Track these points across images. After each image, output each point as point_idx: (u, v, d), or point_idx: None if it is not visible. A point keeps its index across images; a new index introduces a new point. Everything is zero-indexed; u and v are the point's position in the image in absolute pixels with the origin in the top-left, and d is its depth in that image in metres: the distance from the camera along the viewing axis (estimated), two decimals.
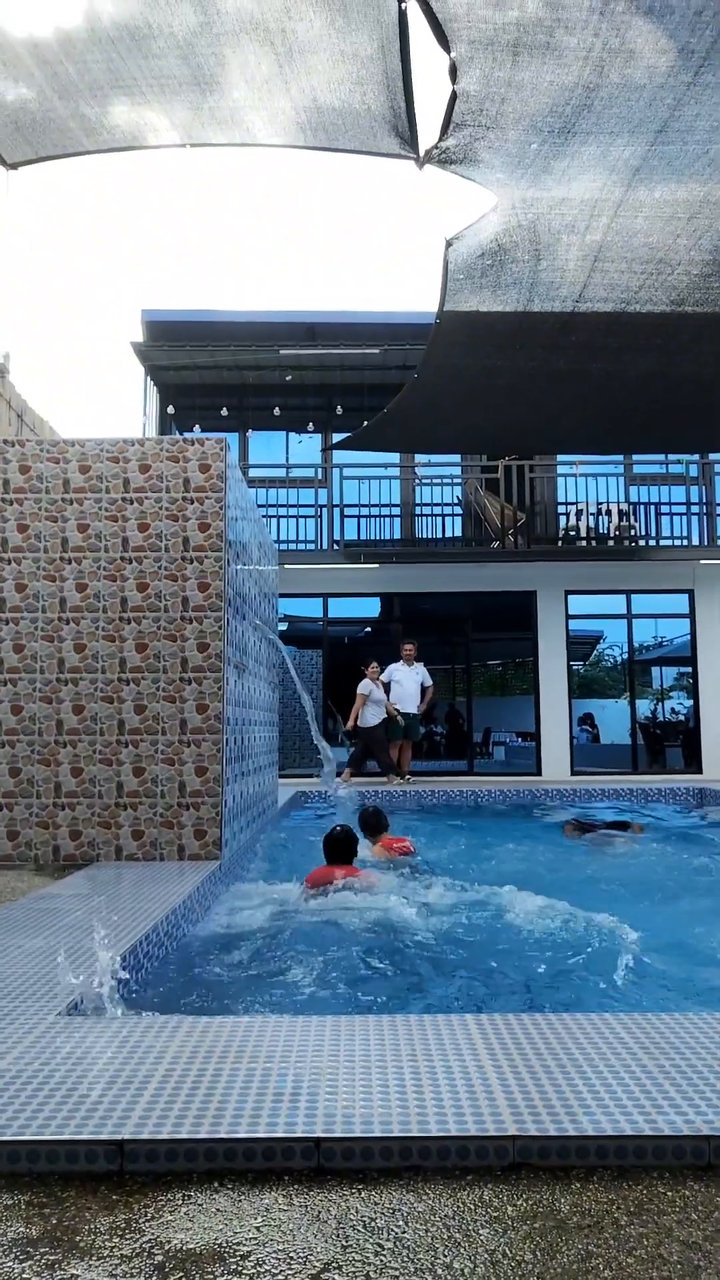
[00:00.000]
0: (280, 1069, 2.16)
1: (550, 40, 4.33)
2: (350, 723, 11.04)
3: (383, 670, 11.27)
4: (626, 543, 13.57)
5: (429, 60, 4.49)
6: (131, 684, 5.27)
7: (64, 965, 2.79)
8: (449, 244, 5.98)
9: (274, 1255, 1.56)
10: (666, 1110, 1.94)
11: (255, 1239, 1.61)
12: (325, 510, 13.79)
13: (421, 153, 5.13)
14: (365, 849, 6.13)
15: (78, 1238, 1.62)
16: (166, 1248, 1.59)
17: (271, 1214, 1.68)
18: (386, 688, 11.23)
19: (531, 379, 8.08)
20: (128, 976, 3.02)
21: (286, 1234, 1.62)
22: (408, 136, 5.03)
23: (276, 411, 14.57)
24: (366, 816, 6.44)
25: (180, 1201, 1.73)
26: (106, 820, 5.17)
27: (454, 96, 4.67)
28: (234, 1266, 1.54)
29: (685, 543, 13.58)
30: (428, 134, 5.02)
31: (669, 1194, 1.75)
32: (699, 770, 12.92)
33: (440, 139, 4.99)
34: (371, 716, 10.95)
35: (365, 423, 10.21)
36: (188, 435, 13.08)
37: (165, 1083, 2.08)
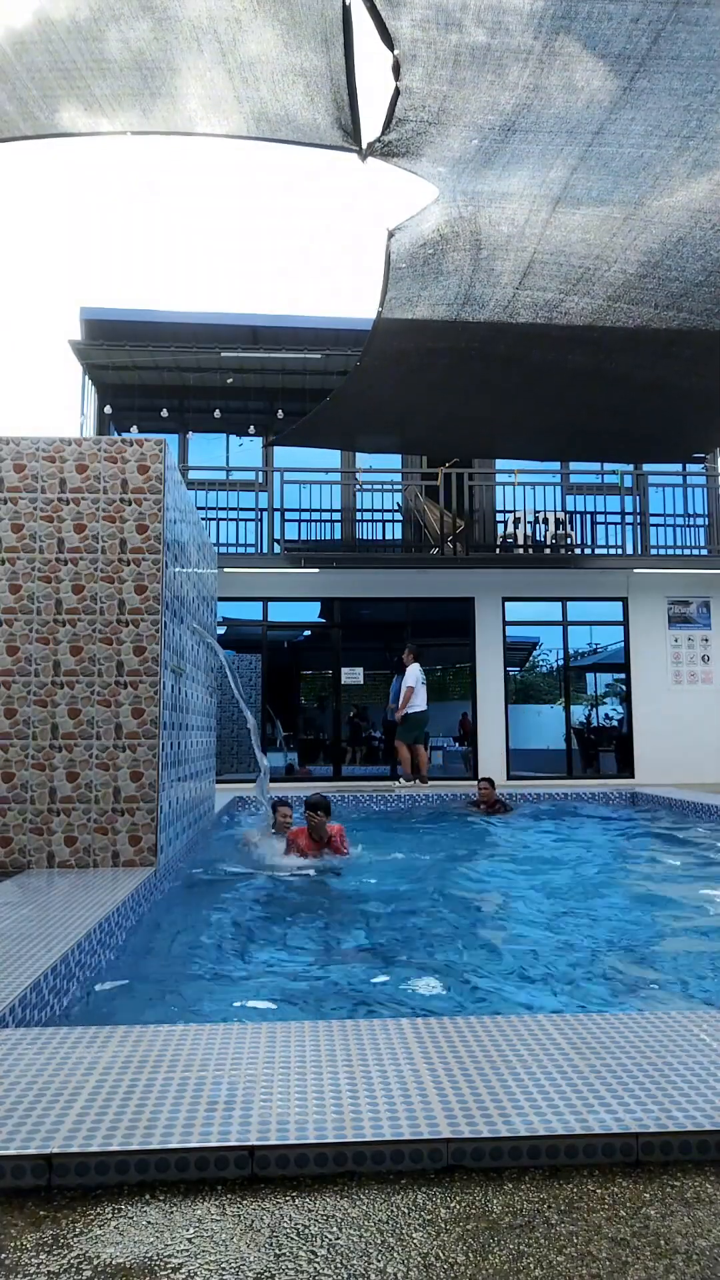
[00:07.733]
0: (214, 1077, 2.14)
1: (491, 43, 4.40)
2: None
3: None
4: (563, 551, 13.81)
5: (372, 55, 4.50)
6: (66, 687, 5.17)
7: None
8: (391, 235, 6.00)
9: (206, 1267, 1.54)
10: (596, 1109, 1.97)
11: (187, 1251, 1.58)
12: (265, 514, 13.73)
13: (364, 145, 5.13)
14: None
15: (3, 1255, 1.58)
16: (95, 1263, 1.56)
17: (204, 1225, 1.66)
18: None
19: (471, 375, 8.15)
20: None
21: (219, 1245, 1.60)
22: (350, 129, 5.03)
23: (217, 414, 14.45)
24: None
25: (110, 1215, 1.70)
26: (39, 826, 5.06)
27: (397, 92, 4.69)
28: (164, 1279, 1.51)
29: (620, 551, 13.88)
30: (371, 127, 5.02)
31: (598, 1192, 1.78)
32: (631, 775, 13.20)
33: (383, 133, 5.01)
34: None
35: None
36: (126, 436, 12.91)
37: (95, 1094, 2.04)
